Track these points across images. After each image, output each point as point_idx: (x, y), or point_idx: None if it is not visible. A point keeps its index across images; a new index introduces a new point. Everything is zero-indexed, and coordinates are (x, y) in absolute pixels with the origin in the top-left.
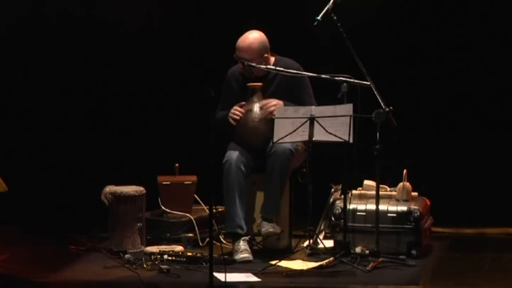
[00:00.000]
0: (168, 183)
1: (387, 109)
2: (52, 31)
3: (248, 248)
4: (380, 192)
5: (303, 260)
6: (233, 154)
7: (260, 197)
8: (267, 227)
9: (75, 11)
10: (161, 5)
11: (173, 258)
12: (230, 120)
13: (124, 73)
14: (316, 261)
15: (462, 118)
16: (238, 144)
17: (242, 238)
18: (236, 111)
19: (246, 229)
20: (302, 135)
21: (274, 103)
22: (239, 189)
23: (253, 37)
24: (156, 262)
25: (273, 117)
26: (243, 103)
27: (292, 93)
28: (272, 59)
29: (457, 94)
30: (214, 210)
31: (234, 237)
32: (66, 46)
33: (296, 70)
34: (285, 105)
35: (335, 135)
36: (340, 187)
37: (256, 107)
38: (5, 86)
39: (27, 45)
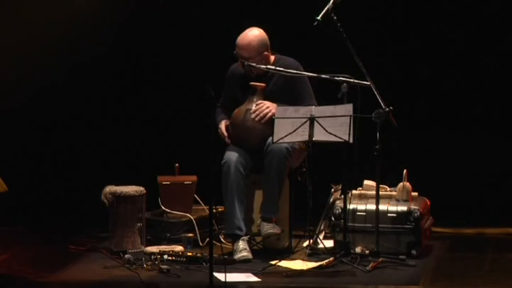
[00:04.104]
0: (168, 183)
1: (387, 109)
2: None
3: (247, 248)
4: (380, 192)
5: (303, 260)
6: (232, 155)
7: (260, 197)
8: (267, 228)
9: None
10: (160, 3)
11: (173, 258)
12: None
13: (123, 72)
14: (316, 261)
15: (462, 118)
16: (236, 145)
17: (241, 238)
18: (222, 134)
19: (246, 229)
20: (302, 135)
21: (266, 106)
22: (238, 191)
23: (253, 34)
24: (156, 262)
25: (273, 117)
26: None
27: (291, 91)
28: (272, 57)
29: (457, 94)
30: (214, 210)
31: (234, 238)
32: (64, 47)
33: (296, 68)
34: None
35: (335, 135)
36: (340, 187)
37: (254, 107)
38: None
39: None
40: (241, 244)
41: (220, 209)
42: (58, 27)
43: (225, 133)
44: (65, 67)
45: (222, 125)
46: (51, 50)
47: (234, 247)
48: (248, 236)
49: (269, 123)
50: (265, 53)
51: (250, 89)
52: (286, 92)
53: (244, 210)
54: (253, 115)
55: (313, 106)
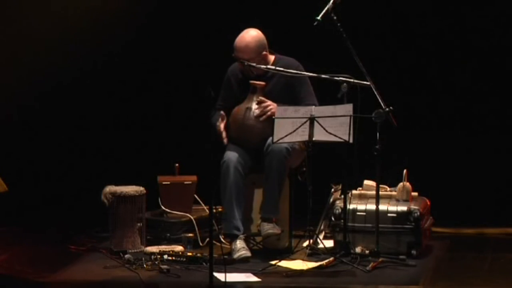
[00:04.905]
0: (168, 183)
1: (387, 109)
2: None
3: (245, 246)
4: (380, 192)
5: (303, 260)
6: (231, 155)
7: (260, 197)
8: (267, 228)
9: None
10: (160, 4)
11: (173, 258)
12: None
13: (123, 72)
14: (316, 261)
15: (462, 118)
16: (236, 144)
17: (238, 237)
18: (220, 134)
19: (244, 229)
20: (302, 135)
21: (269, 104)
22: (236, 190)
23: (250, 36)
24: (156, 262)
25: (273, 117)
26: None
27: (291, 91)
28: (272, 57)
29: (457, 93)
30: (214, 210)
31: (232, 238)
32: (66, 49)
33: (296, 68)
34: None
35: (335, 135)
36: (340, 187)
37: (254, 106)
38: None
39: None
40: (239, 243)
41: (220, 209)
42: (59, 29)
43: (223, 133)
44: (67, 68)
45: (221, 125)
46: (52, 52)
47: (232, 247)
48: (245, 235)
49: (269, 122)
50: (264, 53)
51: (249, 87)
52: (287, 92)
53: (242, 210)
54: (255, 111)
55: (313, 106)
